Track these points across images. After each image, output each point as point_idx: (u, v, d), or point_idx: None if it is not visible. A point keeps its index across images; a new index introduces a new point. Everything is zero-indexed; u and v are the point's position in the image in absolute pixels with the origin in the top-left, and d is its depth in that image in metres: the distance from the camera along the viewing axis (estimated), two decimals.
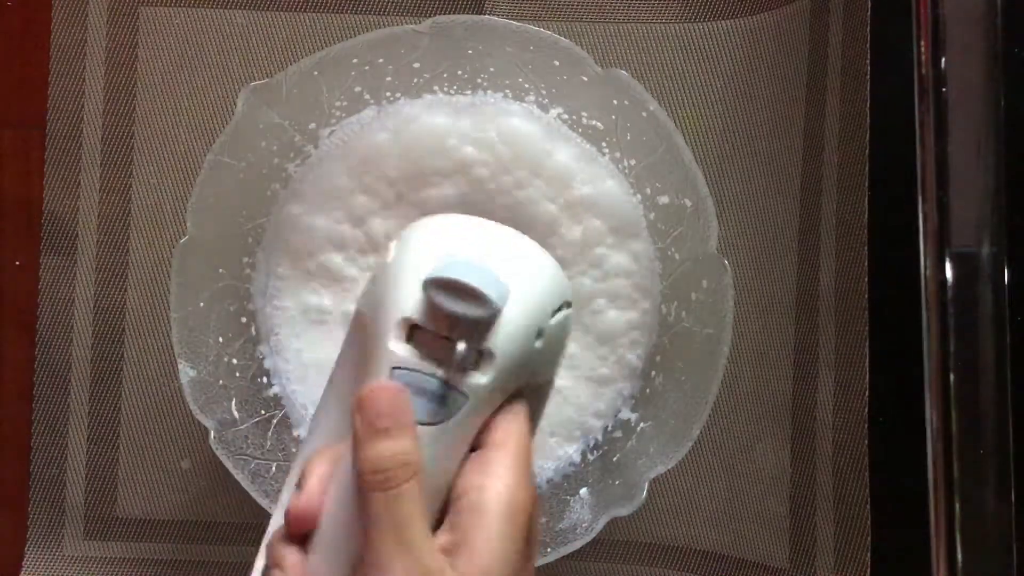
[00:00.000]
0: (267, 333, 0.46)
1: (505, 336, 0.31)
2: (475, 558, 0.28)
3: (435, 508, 0.30)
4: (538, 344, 0.32)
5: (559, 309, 0.34)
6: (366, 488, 0.28)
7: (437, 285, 0.30)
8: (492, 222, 0.34)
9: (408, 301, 0.31)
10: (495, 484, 0.29)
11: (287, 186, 0.46)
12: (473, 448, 0.31)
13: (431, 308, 0.30)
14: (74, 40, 0.50)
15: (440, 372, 0.30)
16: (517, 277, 0.32)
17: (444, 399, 0.30)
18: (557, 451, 0.46)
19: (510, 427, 0.31)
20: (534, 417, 0.36)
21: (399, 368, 0.30)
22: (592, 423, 0.46)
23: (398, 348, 0.30)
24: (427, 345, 0.30)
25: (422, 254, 0.32)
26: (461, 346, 0.30)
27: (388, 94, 0.45)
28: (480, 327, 0.30)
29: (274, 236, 0.46)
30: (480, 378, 0.30)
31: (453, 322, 0.30)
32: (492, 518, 0.29)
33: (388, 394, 0.29)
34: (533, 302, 0.32)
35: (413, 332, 0.31)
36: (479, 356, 0.30)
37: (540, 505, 0.44)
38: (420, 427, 0.30)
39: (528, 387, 0.34)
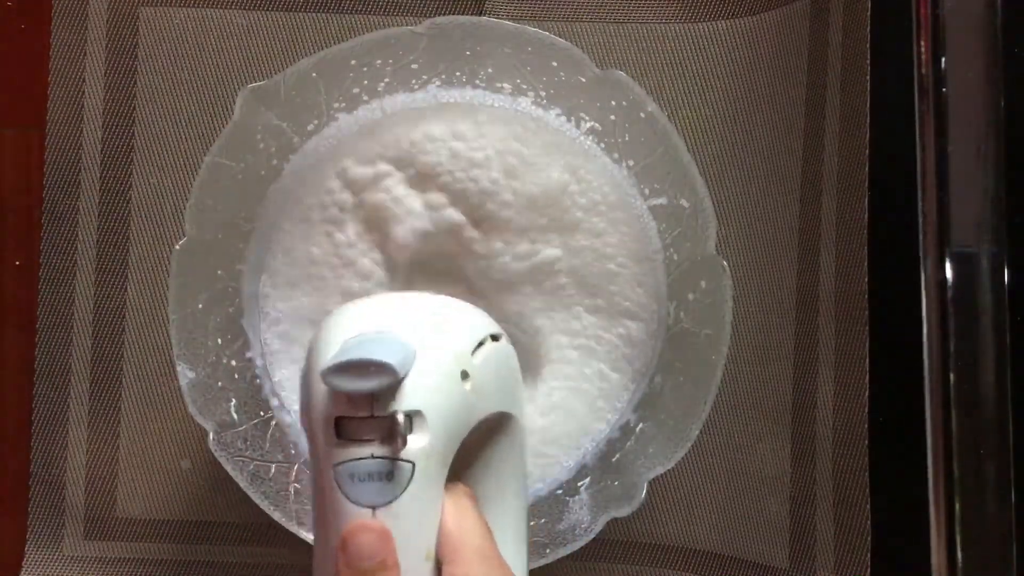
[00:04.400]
0: (255, 334, 0.46)
1: (426, 390, 0.30)
2: None
3: None
4: (468, 386, 0.32)
5: (481, 344, 0.33)
6: None
7: (332, 373, 0.29)
8: (405, 294, 0.34)
9: (320, 399, 0.30)
10: None
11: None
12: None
13: (340, 396, 0.30)
14: (74, 40, 0.50)
15: (377, 451, 0.30)
16: (422, 331, 0.31)
17: (392, 475, 0.30)
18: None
19: (462, 534, 0.30)
20: (516, 463, 0.36)
21: (339, 464, 0.30)
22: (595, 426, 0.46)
23: (331, 446, 0.30)
24: (356, 431, 0.30)
25: (324, 352, 0.31)
26: (382, 415, 0.30)
27: (388, 96, 0.45)
28: (391, 393, 0.30)
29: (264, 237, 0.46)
30: (419, 440, 0.30)
31: (366, 400, 0.30)
32: None
33: (370, 536, 0.29)
34: (446, 348, 0.32)
35: (340, 425, 0.30)
36: (409, 421, 0.30)
37: (538, 508, 0.44)
38: (380, 510, 0.29)
39: (489, 434, 0.33)
